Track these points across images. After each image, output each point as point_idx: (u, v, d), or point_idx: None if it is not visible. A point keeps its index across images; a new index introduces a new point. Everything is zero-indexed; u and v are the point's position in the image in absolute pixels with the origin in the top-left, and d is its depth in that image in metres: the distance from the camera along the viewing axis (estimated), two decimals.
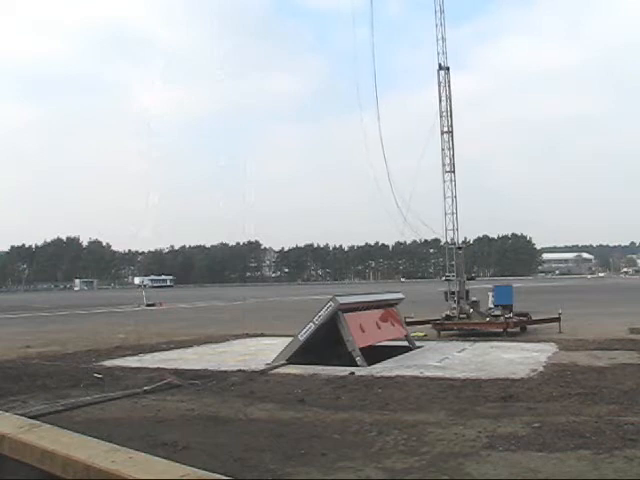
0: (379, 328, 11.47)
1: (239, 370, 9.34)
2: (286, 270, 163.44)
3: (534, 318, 15.66)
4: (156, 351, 12.21)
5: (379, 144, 16.19)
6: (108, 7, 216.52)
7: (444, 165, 15.80)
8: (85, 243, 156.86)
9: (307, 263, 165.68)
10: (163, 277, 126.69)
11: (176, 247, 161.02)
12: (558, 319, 14.85)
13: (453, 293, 15.57)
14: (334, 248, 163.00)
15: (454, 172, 15.80)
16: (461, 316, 14.91)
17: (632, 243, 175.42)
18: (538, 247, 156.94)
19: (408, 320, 14.01)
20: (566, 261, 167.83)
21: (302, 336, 9.98)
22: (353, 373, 8.89)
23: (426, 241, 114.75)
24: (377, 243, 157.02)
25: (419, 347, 12.04)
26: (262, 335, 15.26)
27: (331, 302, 10.03)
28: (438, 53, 15.94)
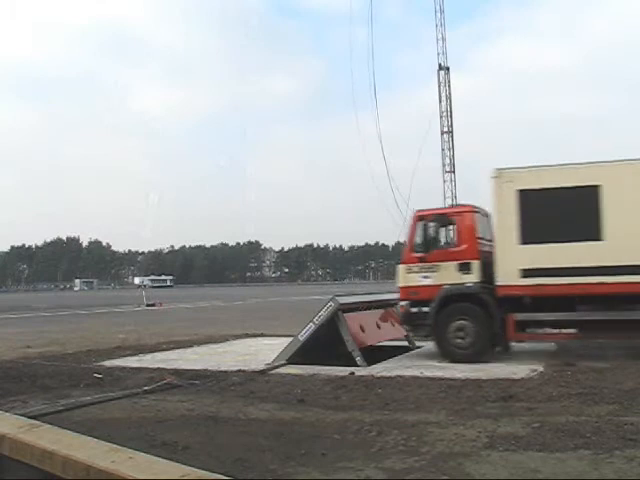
0: (379, 328, 11.48)
1: (239, 370, 9.34)
2: (286, 270, 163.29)
3: None
4: (156, 351, 12.20)
5: (378, 144, 16.23)
6: (107, 8, 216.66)
7: (444, 165, 15.84)
8: (85, 243, 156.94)
9: (307, 263, 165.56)
10: (163, 277, 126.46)
11: (176, 247, 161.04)
12: None
13: None
14: (334, 248, 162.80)
15: (454, 172, 15.84)
16: None
17: None
18: None
19: None
20: None
21: (302, 336, 9.98)
22: (353, 373, 8.89)
23: None
24: (377, 243, 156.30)
25: (419, 347, 12.03)
26: (262, 335, 15.25)
27: (331, 302, 10.03)
28: (438, 53, 16.11)
